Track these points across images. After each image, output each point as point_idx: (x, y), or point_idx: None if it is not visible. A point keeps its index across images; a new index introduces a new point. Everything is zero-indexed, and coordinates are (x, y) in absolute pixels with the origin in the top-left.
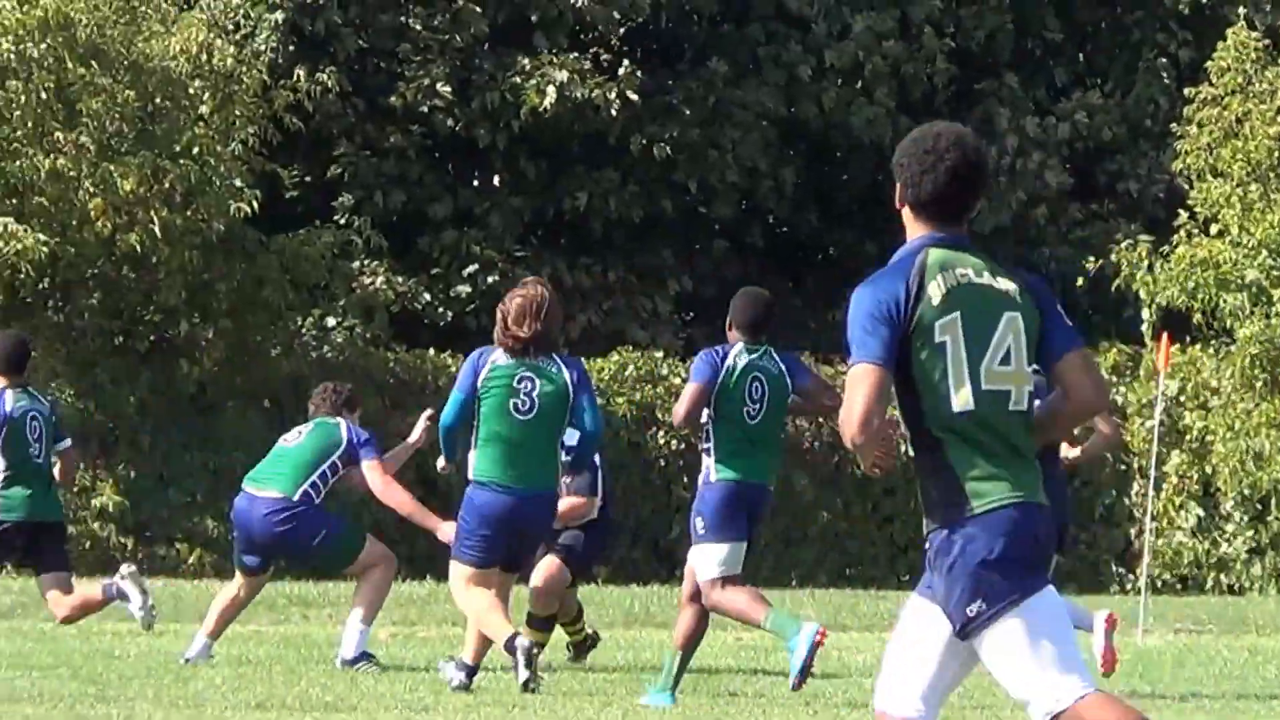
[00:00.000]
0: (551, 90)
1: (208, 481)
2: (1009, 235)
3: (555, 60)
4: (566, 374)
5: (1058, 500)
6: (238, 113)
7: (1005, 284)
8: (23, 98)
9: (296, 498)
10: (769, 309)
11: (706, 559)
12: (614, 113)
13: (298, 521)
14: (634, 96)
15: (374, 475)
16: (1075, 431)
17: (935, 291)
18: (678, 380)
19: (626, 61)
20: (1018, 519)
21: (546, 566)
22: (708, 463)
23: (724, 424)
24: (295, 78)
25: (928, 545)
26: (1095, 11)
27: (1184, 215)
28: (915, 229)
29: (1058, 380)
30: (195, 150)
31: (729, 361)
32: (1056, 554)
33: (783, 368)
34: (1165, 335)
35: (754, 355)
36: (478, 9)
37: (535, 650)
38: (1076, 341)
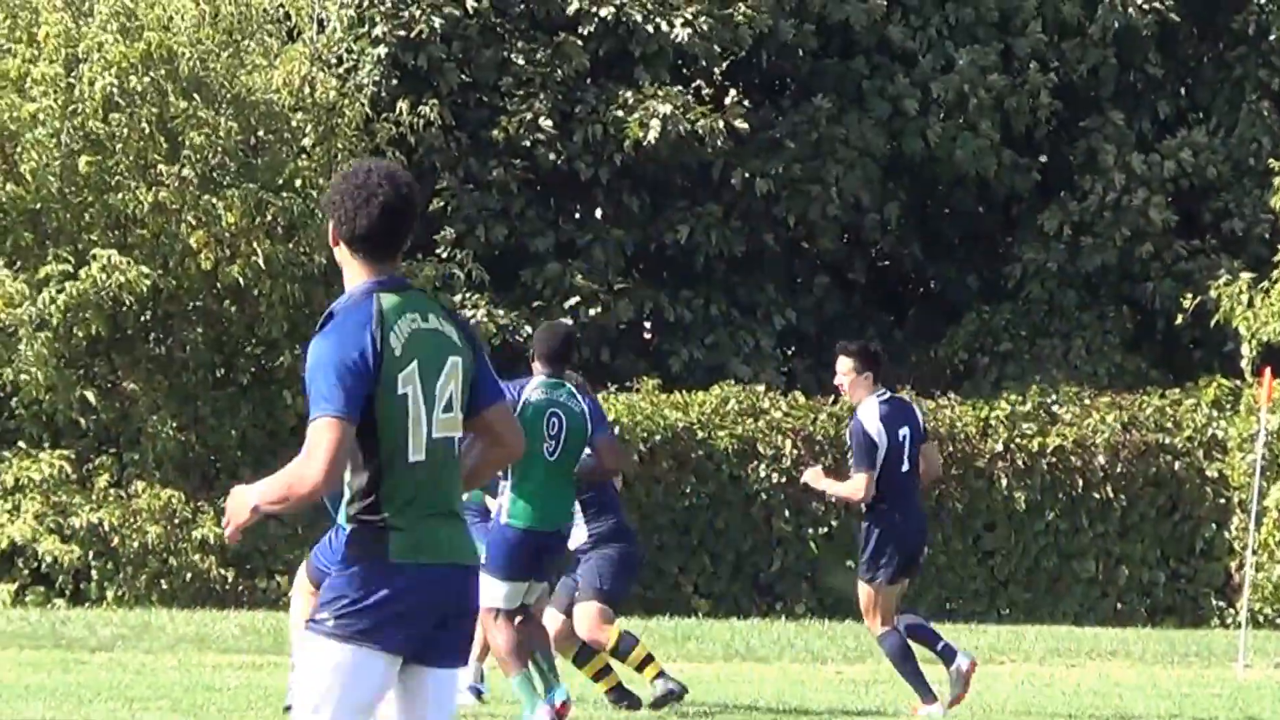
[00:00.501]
0: (655, 123)
1: (308, 514)
2: (1113, 271)
3: (660, 94)
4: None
5: (918, 525)
6: (340, 145)
7: (449, 328)
8: (126, 130)
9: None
10: (568, 341)
11: (488, 589)
12: (718, 145)
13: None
14: (742, 125)
15: None
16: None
17: (396, 342)
18: (779, 414)
19: (732, 92)
20: (435, 581)
21: (588, 614)
22: (501, 500)
23: (523, 460)
24: (397, 111)
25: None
26: (1198, 46)
27: None
28: (352, 268)
29: (486, 428)
30: (298, 183)
31: (524, 395)
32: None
33: (585, 409)
34: (1268, 370)
35: (553, 391)
36: (579, 43)
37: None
38: (501, 391)
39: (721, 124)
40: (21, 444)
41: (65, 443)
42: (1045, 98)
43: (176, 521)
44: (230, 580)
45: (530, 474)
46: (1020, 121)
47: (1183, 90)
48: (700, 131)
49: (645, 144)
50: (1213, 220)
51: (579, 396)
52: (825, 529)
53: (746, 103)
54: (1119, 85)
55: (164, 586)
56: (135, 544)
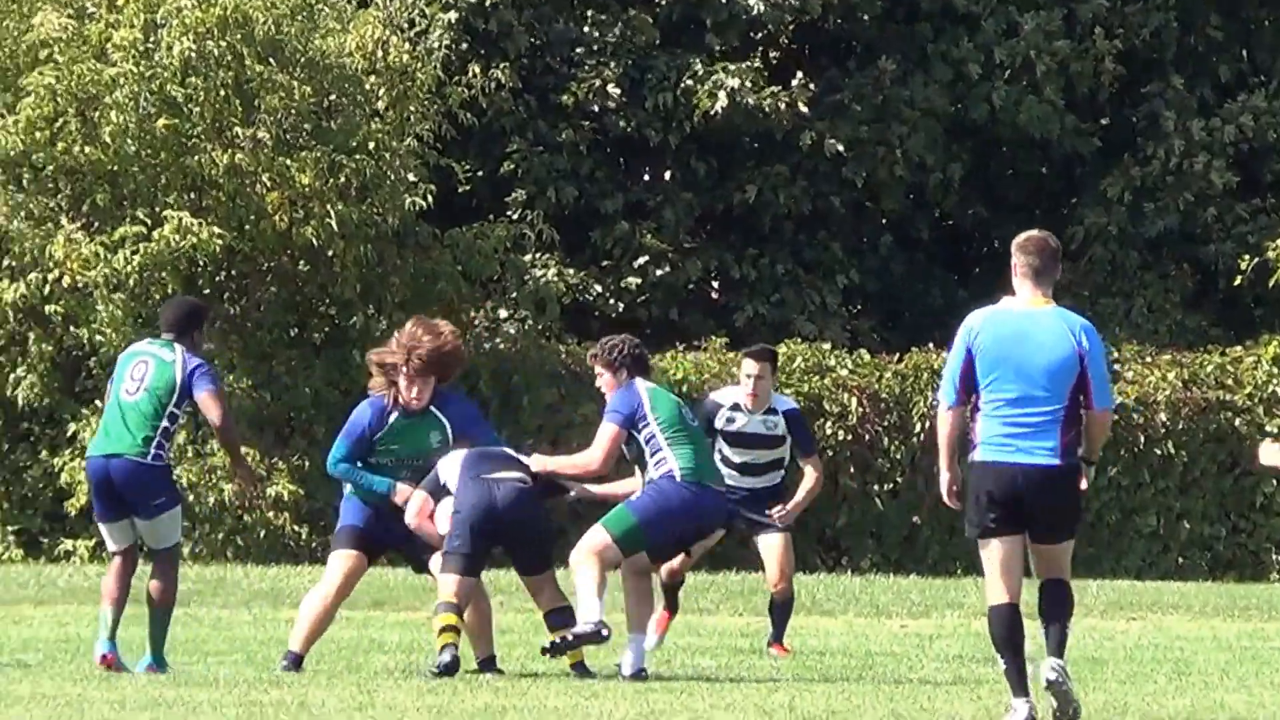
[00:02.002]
0: (723, 95)
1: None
2: (1175, 233)
3: (729, 68)
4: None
5: None
6: (412, 109)
7: None
8: (202, 94)
9: None
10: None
11: None
12: (784, 121)
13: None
14: (805, 109)
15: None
16: None
17: None
18: (844, 372)
19: (799, 73)
20: None
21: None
22: None
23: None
24: (469, 74)
25: None
26: (1258, 10)
27: None
28: None
29: None
30: (370, 145)
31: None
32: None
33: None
34: None
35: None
36: (649, 19)
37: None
38: None
39: (785, 103)
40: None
41: None
42: (1109, 63)
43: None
44: (304, 537)
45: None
46: (1083, 86)
47: (1244, 54)
48: (766, 108)
49: (713, 114)
50: (1273, 182)
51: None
52: (890, 485)
53: (811, 68)
54: (1180, 49)
55: (239, 543)
56: (211, 501)
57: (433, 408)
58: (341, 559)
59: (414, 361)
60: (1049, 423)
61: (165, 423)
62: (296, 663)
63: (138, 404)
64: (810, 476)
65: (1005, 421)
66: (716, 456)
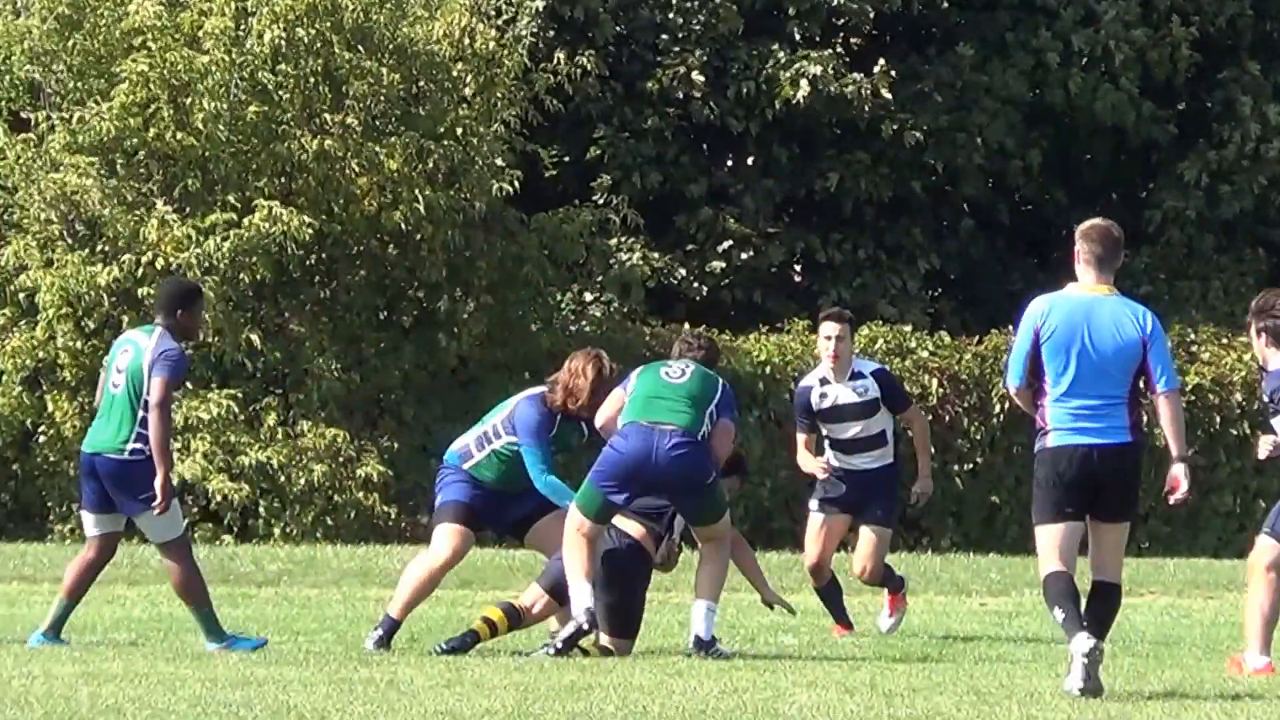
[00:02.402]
0: (805, 83)
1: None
2: (1250, 217)
3: (812, 56)
4: None
5: None
6: (499, 95)
7: None
8: (292, 81)
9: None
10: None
11: None
12: (866, 109)
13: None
14: (887, 94)
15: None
16: None
17: None
18: (925, 353)
19: (881, 60)
20: None
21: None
22: None
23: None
24: (555, 61)
25: None
26: None
27: None
28: None
29: None
30: (458, 131)
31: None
32: None
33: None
34: None
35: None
36: (734, 7)
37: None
38: None
39: (868, 89)
40: (190, 385)
41: (233, 384)
42: (1185, 50)
43: (341, 460)
44: (392, 517)
45: None
46: (1160, 73)
47: None
48: (849, 95)
49: (795, 102)
50: None
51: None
52: (970, 465)
53: (892, 55)
54: (1256, 36)
55: (329, 523)
56: (301, 482)
57: None
58: (448, 533)
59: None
60: (1117, 404)
61: (145, 412)
62: (392, 629)
63: (120, 397)
64: (918, 429)
65: (1074, 406)
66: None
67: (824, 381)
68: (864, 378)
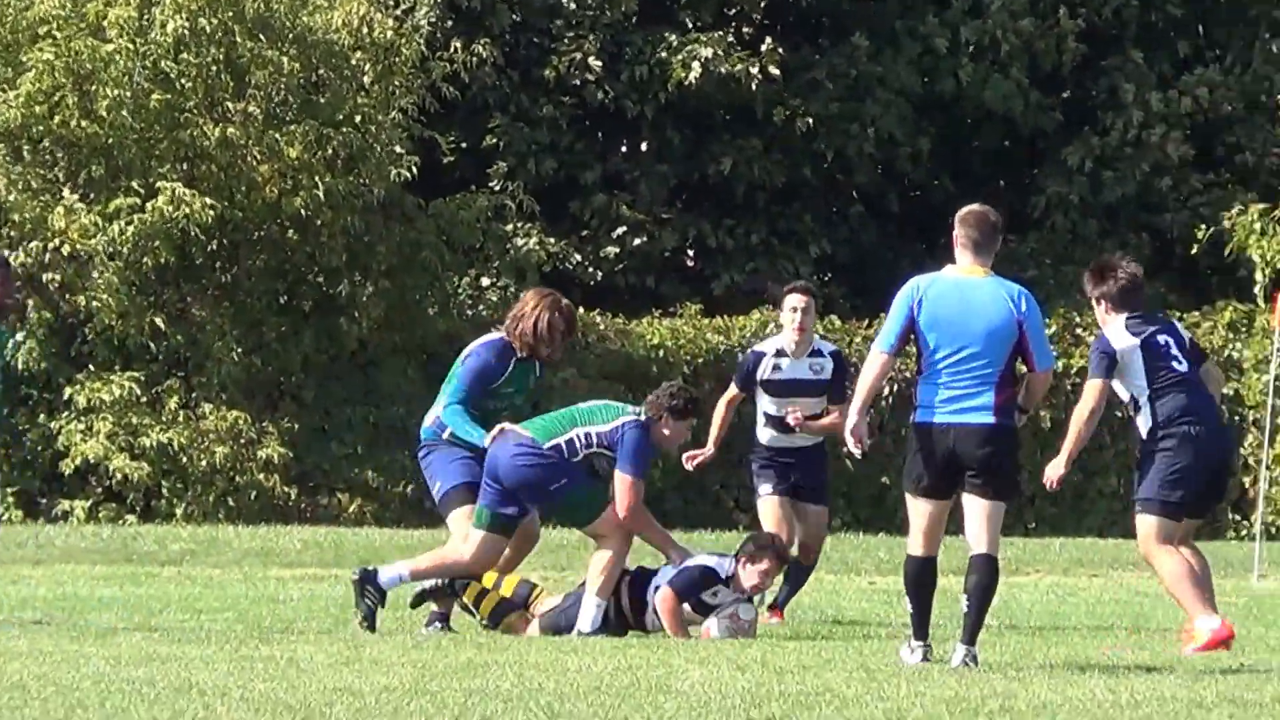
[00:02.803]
0: (697, 65)
1: (368, 434)
2: (1133, 202)
3: (702, 38)
4: None
5: None
6: (397, 83)
7: None
8: (194, 70)
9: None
10: None
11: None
12: (755, 86)
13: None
14: (775, 71)
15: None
16: None
17: None
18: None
19: (769, 38)
20: None
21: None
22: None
23: None
24: (452, 50)
25: None
26: None
27: None
28: None
29: None
30: (357, 119)
31: None
32: None
33: None
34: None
35: None
36: None
37: None
38: None
39: (757, 69)
40: (93, 367)
41: (136, 366)
42: (1071, 41)
43: (242, 441)
44: (293, 497)
45: None
46: (1047, 62)
47: (1200, 29)
48: (739, 75)
49: (688, 84)
50: (1226, 154)
51: None
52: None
53: (784, 45)
54: (1140, 25)
55: (230, 504)
56: (203, 463)
57: None
58: (464, 518)
59: (570, 337)
60: (985, 384)
61: None
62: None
63: None
64: (831, 421)
65: (944, 384)
66: (760, 419)
67: (780, 353)
68: (822, 356)
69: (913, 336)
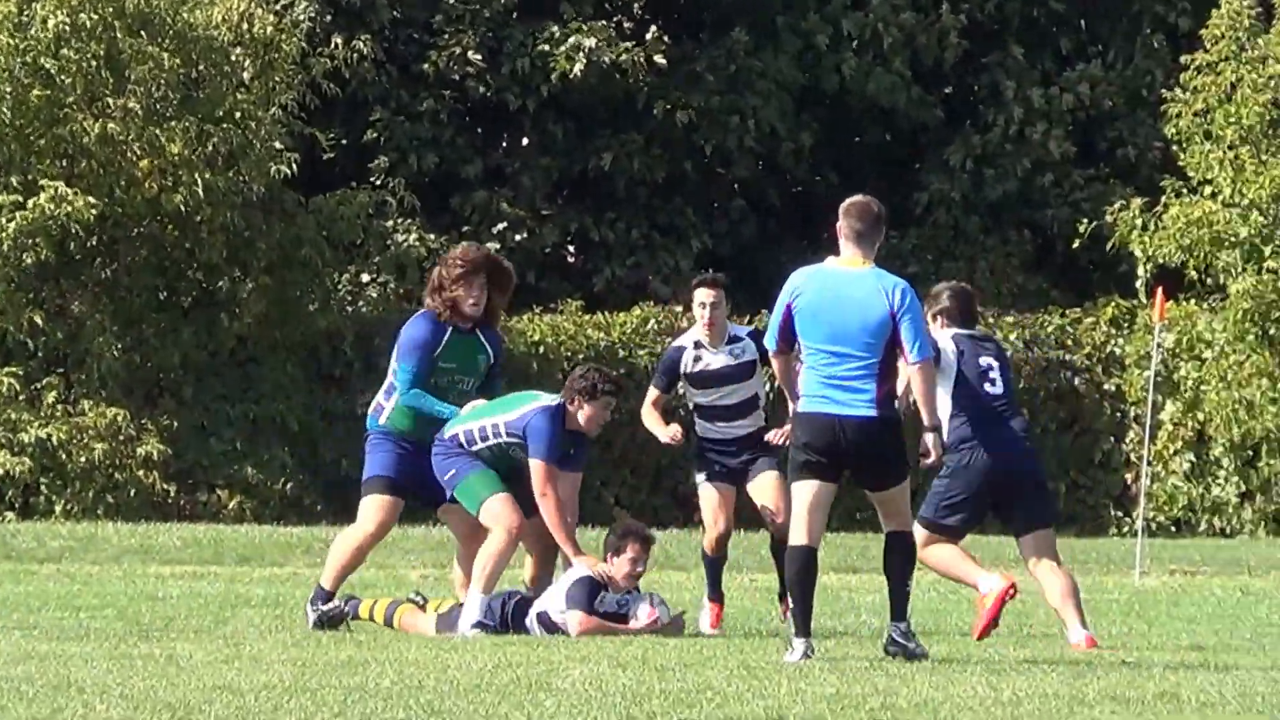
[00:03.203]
0: (580, 57)
1: (247, 430)
2: (1015, 199)
3: (585, 28)
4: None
5: None
6: (277, 79)
7: None
8: (74, 65)
9: (446, 435)
10: None
11: None
12: (640, 78)
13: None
14: (660, 60)
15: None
16: None
17: None
18: None
19: (653, 28)
20: None
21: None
22: None
23: None
24: (332, 46)
25: None
26: None
27: (1171, 177)
28: None
29: None
30: (237, 115)
31: None
32: None
33: None
34: (1161, 290)
35: None
36: None
37: None
38: None
39: (642, 58)
40: None
41: (15, 362)
42: (953, 36)
43: (122, 438)
44: (172, 494)
45: None
46: (929, 57)
47: (1082, 25)
48: (623, 65)
49: (571, 77)
50: (1108, 149)
51: None
52: None
53: (666, 37)
54: (1023, 21)
55: (110, 500)
56: (82, 459)
57: (478, 332)
58: (378, 504)
59: (482, 264)
60: (864, 376)
61: None
62: (328, 598)
63: None
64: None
65: (823, 376)
66: (696, 412)
67: (698, 345)
68: (740, 340)
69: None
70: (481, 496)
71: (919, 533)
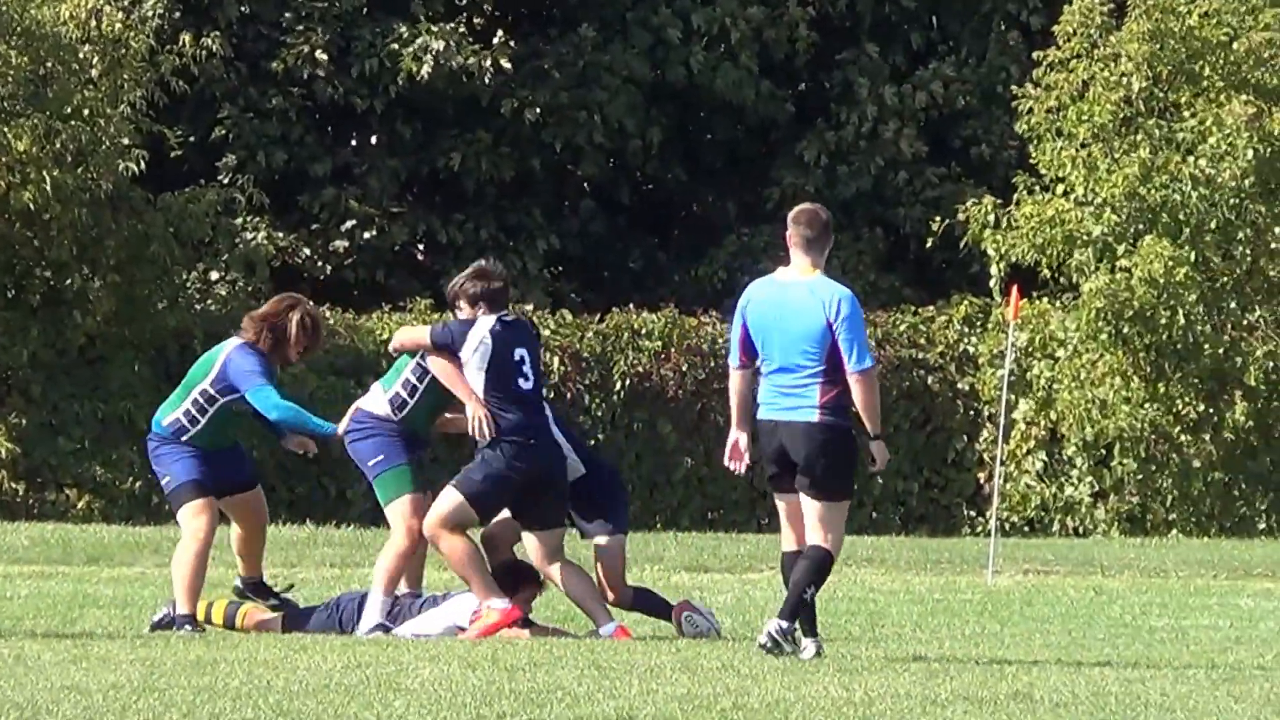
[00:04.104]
0: (428, 59)
1: (96, 429)
2: (868, 197)
3: (433, 30)
4: None
5: None
6: (126, 76)
7: None
8: None
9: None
10: None
11: None
12: (487, 79)
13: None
14: (507, 65)
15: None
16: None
17: None
18: (546, 332)
19: (500, 31)
20: None
21: None
22: None
23: None
24: (181, 43)
25: None
26: None
27: (1024, 174)
28: None
29: None
30: (85, 112)
31: None
32: None
33: None
34: (1015, 288)
35: None
36: None
37: None
38: None
39: (489, 61)
40: None
41: None
42: (803, 30)
43: None
44: (20, 493)
45: None
46: (778, 52)
47: (934, 21)
48: (470, 68)
49: (419, 78)
50: (961, 147)
51: None
52: (592, 442)
53: (514, 33)
54: (875, 18)
55: None
56: None
57: None
58: (199, 509)
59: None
60: (809, 384)
61: None
62: (193, 620)
63: None
64: None
65: (773, 384)
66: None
67: None
68: None
69: None
70: (393, 495)
71: (454, 501)
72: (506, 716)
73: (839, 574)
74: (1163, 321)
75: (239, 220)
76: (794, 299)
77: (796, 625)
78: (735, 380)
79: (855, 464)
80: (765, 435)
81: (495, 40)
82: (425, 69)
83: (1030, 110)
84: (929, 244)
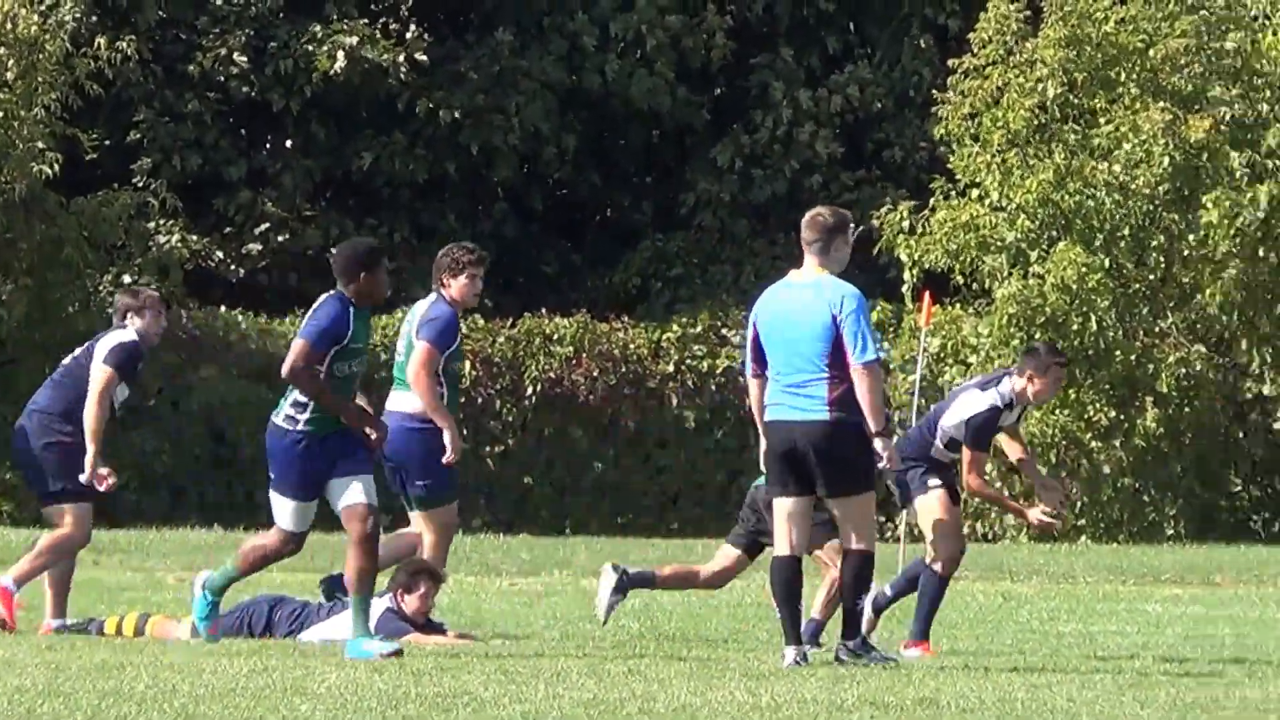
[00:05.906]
0: (341, 55)
1: (6, 434)
2: (783, 201)
3: (346, 27)
4: None
5: None
6: (40, 79)
7: None
8: None
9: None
10: None
11: None
12: (402, 77)
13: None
14: (422, 58)
15: None
16: None
17: None
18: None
19: (414, 27)
20: None
21: None
22: None
23: None
24: (96, 46)
25: None
26: None
27: (939, 179)
28: None
29: None
30: None
31: None
32: None
33: None
34: (927, 293)
35: None
36: None
37: None
38: None
39: (403, 57)
40: None
41: None
42: (720, 38)
43: None
44: None
45: None
46: (695, 59)
47: (851, 25)
48: (384, 64)
49: (333, 75)
50: (876, 150)
51: None
52: (502, 447)
53: (430, 36)
54: (792, 22)
55: None
56: None
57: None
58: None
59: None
60: (816, 381)
61: None
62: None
63: None
64: None
65: (781, 385)
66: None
67: None
68: None
69: None
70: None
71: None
72: None
73: (746, 579)
74: (1075, 328)
75: (153, 224)
76: (800, 298)
77: (864, 632)
78: (753, 389)
79: (870, 456)
80: (773, 435)
81: (409, 35)
82: (338, 65)
83: (946, 116)
84: None
